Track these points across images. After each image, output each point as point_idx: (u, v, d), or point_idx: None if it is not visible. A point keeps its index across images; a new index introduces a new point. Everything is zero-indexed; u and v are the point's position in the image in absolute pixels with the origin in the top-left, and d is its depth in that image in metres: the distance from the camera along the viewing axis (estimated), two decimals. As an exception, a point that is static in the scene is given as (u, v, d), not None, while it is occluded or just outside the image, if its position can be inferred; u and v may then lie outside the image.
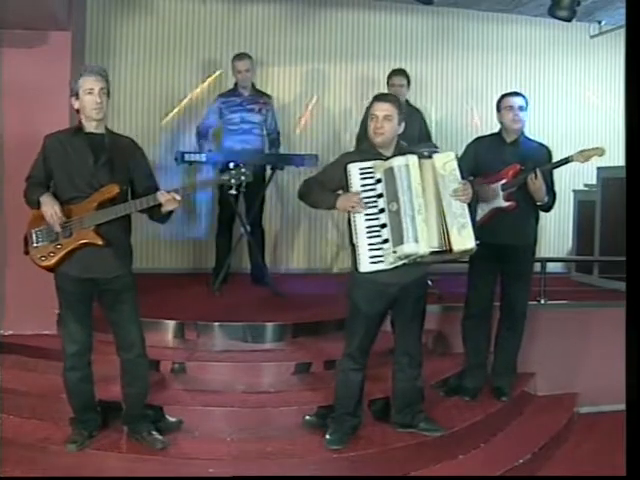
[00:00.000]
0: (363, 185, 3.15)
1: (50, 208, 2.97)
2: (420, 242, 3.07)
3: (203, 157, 4.74)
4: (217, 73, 5.86)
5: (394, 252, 3.09)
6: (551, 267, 5.12)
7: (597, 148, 3.75)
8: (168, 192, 3.03)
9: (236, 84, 5.17)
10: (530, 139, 3.91)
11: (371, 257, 3.14)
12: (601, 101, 6.73)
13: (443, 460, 3.43)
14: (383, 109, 3.22)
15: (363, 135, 4.97)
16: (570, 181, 6.16)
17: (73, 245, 3.02)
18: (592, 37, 6.60)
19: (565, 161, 3.76)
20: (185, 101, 5.87)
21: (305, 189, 3.35)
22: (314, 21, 6.09)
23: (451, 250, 3.10)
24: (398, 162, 3.13)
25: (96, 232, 3.00)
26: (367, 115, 3.32)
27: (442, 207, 3.13)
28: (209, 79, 5.88)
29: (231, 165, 3.23)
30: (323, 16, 6.12)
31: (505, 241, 3.78)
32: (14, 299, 4.11)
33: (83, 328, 3.12)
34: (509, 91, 3.92)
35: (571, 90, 6.69)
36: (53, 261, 3.04)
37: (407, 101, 5.20)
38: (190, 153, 4.79)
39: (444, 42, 6.35)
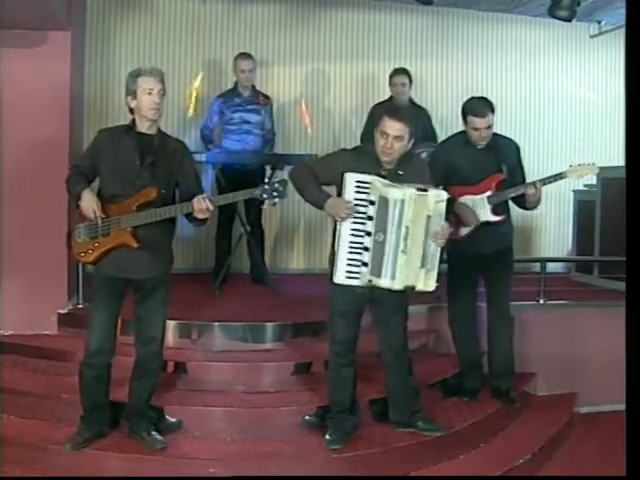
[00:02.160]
0: (356, 199, 3.11)
1: (89, 204, 3.01)
2: (396, 279, 3.11)
3: (203, 157, 4.74)
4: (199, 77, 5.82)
5: (369, 280, 3.13)
6: (551, 267, 5.12)
7: (591, 166, 3.69)
8: (204, 199, 3.01)
9: (236, 84, 5.16)
10: (497, 135, 3.78)
11: (347, 272, 3.15)
12: (601, 101, 6.73)
13: (443, 460, 3.42)
14: (395, 128, 3.11)
15: (367, 135, 4.98)
16: (570, 181, 6.15)
17: (110, 245, 3.06)
18: (592, 37, 6.60)
19: (558, 177, 3.70)
20: (185, 100, 5.86)
21: (299, 176, 3.32)
22: (314, 21, 6.08)
23: (413, 288, 3.15)
24: (394, 195, 3.06)
25: (132, 234, 3.03)
26: (373, 117, 3.28)
27: (423, 247, 3.11)
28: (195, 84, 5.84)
29: (266, 180, 3.19)
30: (322, 16, 6.11)
31: (487, 250, 3.75)
32: (14, 299, 4.10)
33: (108, 328, 3.14)
34: (475, 103, 3.68)
35: (571, 90, 6.68)
36: (91, 258, 3.10)
37: (411, 99, 5.21)
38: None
39: (444, 42, 6.34)
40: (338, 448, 3.28)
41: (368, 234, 3.12)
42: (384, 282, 3.11)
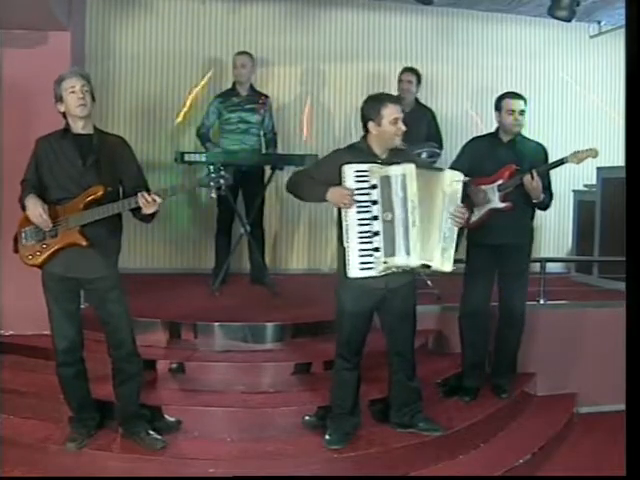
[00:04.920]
0: (358, 188, 3.12)
1: (34, 210, 2.99)
2: (412, 255, 3.10)
3: (203, 157, 4.73)
4: (208, 75, 5.85)
5: (385, 262, 3.11)
6: (551, 267, 5.12)
7: (591, 149, 3.72)
8: (149, 193, 3.01)
9: (234, 84, 5.16)
10: (526, 138, 3.90)
11: (361, 263, 3.13)
12: (601, 101, 6.73)
13: (443, 460, 3.42)
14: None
15: None
16: (570, 181, 6.16)
17: (58, 245, 3.04)
18: (592, 37, 6.60)
19: (560, 162, 3.75)
20: (187, 102, 5.86)
21: (295, 181, 3.32)
22: (313, 21, 6.08)
23: (429, 267, 3.15)
24: (395, 171, 3.11)
25: (81, 233, 3.02)
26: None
27: (439, 223, 3.14)
28: (202, 82, 5.86)
29: (211, 168, 3.16)
30: (322, 16, 6.11)
31: (501, 241, 3.78)
32: (14, 299, 4.10)
33: (71, 324, 3.14)
34: (510, 91, 3.90)
35: (571, 90, 6.69)
36: (40, 260, 3.07)
37: (417, 99, 5.22)
38: (190, 153, 4.78)
39: (444, 42, 6.34)
40: (338, 448, 3.28)
41: (375, 218, 3.11)
42: (399, 260, 3.09)
